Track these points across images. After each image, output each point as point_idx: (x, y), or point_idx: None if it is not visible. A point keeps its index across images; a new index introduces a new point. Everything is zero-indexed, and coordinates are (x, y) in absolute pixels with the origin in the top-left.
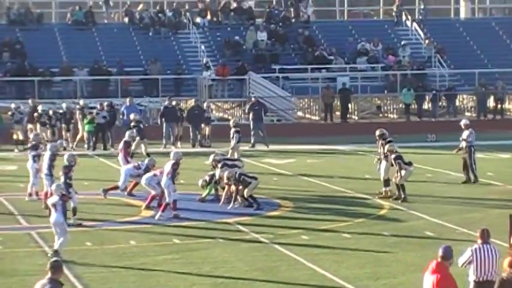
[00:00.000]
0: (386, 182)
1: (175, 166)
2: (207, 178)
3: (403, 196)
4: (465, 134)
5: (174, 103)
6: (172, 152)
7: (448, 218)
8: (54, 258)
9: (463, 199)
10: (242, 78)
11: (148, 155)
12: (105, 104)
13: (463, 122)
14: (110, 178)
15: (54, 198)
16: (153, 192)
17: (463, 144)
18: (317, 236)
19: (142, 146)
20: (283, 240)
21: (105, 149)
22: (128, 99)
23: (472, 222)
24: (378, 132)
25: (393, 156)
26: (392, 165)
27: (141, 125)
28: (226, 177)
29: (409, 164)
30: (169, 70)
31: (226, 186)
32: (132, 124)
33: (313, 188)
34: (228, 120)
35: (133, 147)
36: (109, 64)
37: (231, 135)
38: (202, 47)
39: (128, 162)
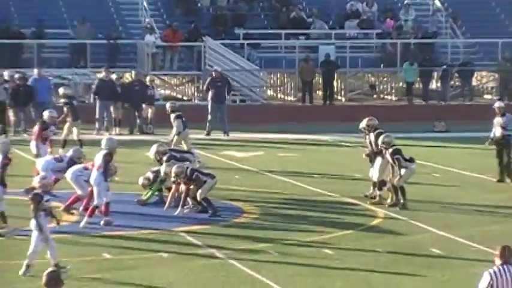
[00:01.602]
0: (381, 184)
1: (109, 158)
2: (150, 175)
3: (402, 202)
4: (501, 120)
5: (114, 76)
6: (105, 139)
7: (460, 231)
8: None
9: (480, 207)
10: (196, 46)
11: (80, 142)
12: (16, 76)
13: (497, 105)
14: (25, 173)
15: None
16: (79, 192)
17: (497, 132)
18: (290, 252)
19: (74, 129)
20: (246, 257)
21: (4, 132)
22: (35, 70)
23: (491, 237)
24: (364, 123)
25: (390, 150)
26: (388, 162)
27: (74, 102)
28: (174, 173)
29: (410, 160)
30: (101, 33)
31: (174, 186)
32: (63, 101)
33: (287, 189)
34: (178, 99)
35: (64, 131)
36: (22, 24)
37: (172, 122)
38: (145, 4)
39: (39, 153)
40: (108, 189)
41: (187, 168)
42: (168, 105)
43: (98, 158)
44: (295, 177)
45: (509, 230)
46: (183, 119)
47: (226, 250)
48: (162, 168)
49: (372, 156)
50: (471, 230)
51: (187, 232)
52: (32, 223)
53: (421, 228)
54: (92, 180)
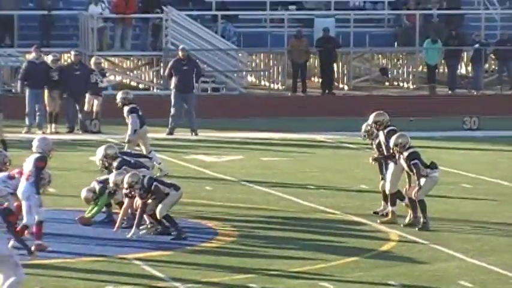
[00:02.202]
0: (394, 197)
1: (41, 164)
2: (96, 186)
3: (422, 220)
4: None
5: (49, 58)
6: (36, 139)
7: (497, 259)
8: None
9: None
10: (154, 18)
11: (4, 143)
12: None
13: None
14: None
15: None
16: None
17: None
18: (276, 286)
19: None
20: None
21: None
22: None
23: None
24: (370, 120)
25: (405, 154)
26: (403, 169)
27: None
28: (126, 184)
29: (432, 167)
30: (32, 2)
31: (127, 200)
32: None
33: (272, 204)
34: (132, 88)
35: None
36: None
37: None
38: None
39: None
40: (41, 204)
41: (144, 177)
42: (119, 95)
43: (28, 164)
44: (283, 188)
45: None
46: (139, 113)
47: (195, 283)
48: (112, 177)
49: (382, 162)
50: (510, 257)
51: (144, 260)
52: None
53: (447, 255)
54: (19, 193)
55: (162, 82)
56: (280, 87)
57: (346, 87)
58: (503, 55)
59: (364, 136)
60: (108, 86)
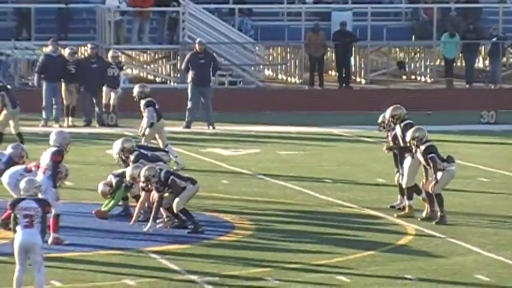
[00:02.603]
0: (411, 191)
1: (58, 157)
2: (112, 180)
3: (439, 214)
4: None
5: (66, 51)
6: (54, 132)
7: None
8: None
9: None
10: (172, 12)
11: (20, 137)
12: None
13: None
14: None
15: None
16: None
17: None
18: (293, 279)
19: (11, 122)
20: (237, 284)
21: None
22: None
23: None
24: (387, 113)
25: (422, 148)
26: (420, 163)
27: (8, 87)
28: (143, 177)
29: (449, 160)
30: None
31: (143, 193)
32: None
33: (289, 197)
34: (149, 81)
35: None
36: None
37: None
38: None
39: None
40: (58, 198)
41: (160, 170)
42: (136, 89)
43: (45, 158)
44: (300, 182)
45: None
46: (156, 106)
47: (211, 277)
48: (128, 171)
49: (397, 155)
50: None
51: (161, 253)
52: None
53: (464, 249)
54: None
55: (179, 75)
56: (297, 81)
57: (363, 81)
58: None
59: (380, 128)
60: (125, 80)
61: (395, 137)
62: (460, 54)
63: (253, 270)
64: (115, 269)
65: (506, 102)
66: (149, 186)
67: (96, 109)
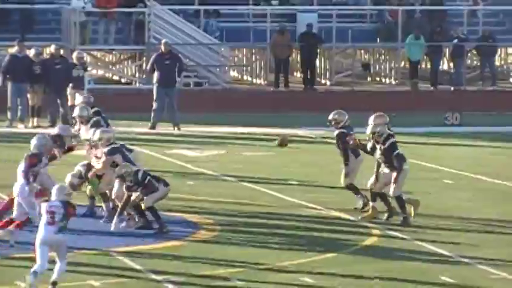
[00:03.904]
0: (375, 193)
1: (33, 160)
2: (80, 168)
3: (402, 216)
4: None
5: (32, 52)
6: (35, 138)
7: (478, 254)
8: None
9: (505, 222)
10: (138, 13)
11: None
12: None
13: None
14: None
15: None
16: None
17: None
18: (258, 279)
19: None
20: (203, 284)
21: None
22: None
23: None
24: (331, 116)
25: (387, 144)
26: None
27: None
28: (117, 174)
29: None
30: None
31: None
32: None
33: (255, 199)
34: (114, 82)
35: None
36: None
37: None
38: None
39: None
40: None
41: (138, 170)
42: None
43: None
44: (266, 184)
45: None
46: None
47: (177, 277)
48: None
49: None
50: (492, 252)
51: (126, 253)
52: None
53: (428, 250)
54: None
55: (144, 76)
56: (262, 82)
57: (328, 83)
58: (485, 51)
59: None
60: (90, 80)
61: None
62: (425, 57)
63: (218, 271)
64: (80, 269)
65: (471, 104)
66: (128, 184)
67: (61, 110)
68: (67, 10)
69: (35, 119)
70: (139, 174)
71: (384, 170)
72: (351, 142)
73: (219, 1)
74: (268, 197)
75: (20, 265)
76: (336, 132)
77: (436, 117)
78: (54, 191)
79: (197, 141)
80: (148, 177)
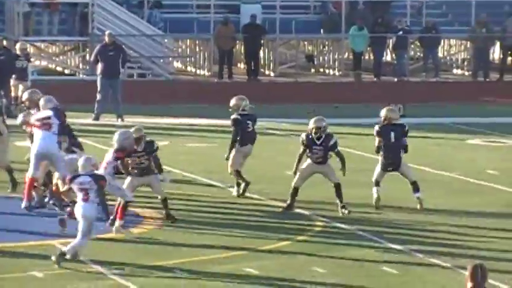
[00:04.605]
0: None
1: (120, 155)
2: None
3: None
4: None
5: None
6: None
7: (421, 245)
8: None
9: (446, 213)
10: (81, 4)
11: None
12: None
13: None
14: None
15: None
16: None
17: None
18: (201, 270)
19: None
20: (145, 276)
21: None
22: None
23: (459, 252)
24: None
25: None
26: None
27: None
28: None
29: None
30: None
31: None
32: None
33: (198, 190)
34: (58, 73)
35: None
36: None
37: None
38: None
39: None
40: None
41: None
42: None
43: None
44: (209, 174)
45: (484, 245)
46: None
47: (119, 268)
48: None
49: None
50: (435, 244)
51: (68, 245)
52: None
53: (371, 241)
54: None
55: (87, 67)
56: (206, 74)
57: (272, 74)
58: (428, 42)
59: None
60: (33, 72)
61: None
62: (368, 48)
63: (161, 263)
64: (21, 261)
65: (414, 95)
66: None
67: (4, 101)
68: (10, 1)
69: None
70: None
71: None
72: None
73: None
74: (212, 188)
75: (33, 253)
76: (233, 116)
77: (380, 109)
78: (81, 162)
79: None
80: None
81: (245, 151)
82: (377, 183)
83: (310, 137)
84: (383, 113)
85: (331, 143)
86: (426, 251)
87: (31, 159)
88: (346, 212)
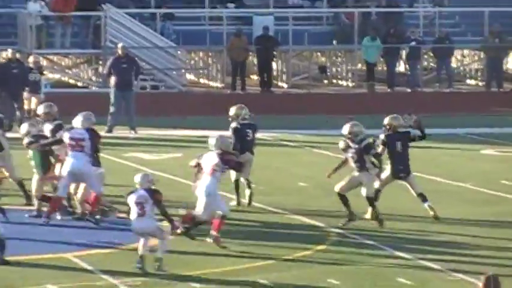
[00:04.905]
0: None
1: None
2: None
3: (348, 217)
4: None
5: None
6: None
7: (435, 256)
8: None
9: (460, 224)
10: (94, 16)
11: None
12: None
13: None
14: None
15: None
16: None
17: None
18: (221, 278)
19: None
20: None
21: None
22: None
23: (473, 263)
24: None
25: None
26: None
27: None
28: None
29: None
30: None
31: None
32: None
33: None
34: (70, 86)
35: None
36: None
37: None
38: None
39: None
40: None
41: None
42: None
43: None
44: (222, 185)
45: (496, 254)
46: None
47: (133, 279)
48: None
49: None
50: (448, 254)
51: (81, 257)
52: None
53: (385, 252)
54: None
55: (101, 80)
56: (219, 85)
57: (285, 85)
58: (441, 53)
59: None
60: (46, 84)
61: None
62: (381, 59)
63: (178, 273)
64: (35, 273)
65: (428, 106)
66: None
67: (18, 114)
68: (23, 14)
69: None
70: None
71: (354, 173)
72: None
73: (175, 4)
74: (225, 199)
75: (48, 265)
76: (232, 125)
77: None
78: (137, 179)
79: (154, 145)
80: None
81: (245, 159)
82: (376, 193)
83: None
84: (386, 121)
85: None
86: (440, 262)
87: (62, 177)
88: (377, 224)
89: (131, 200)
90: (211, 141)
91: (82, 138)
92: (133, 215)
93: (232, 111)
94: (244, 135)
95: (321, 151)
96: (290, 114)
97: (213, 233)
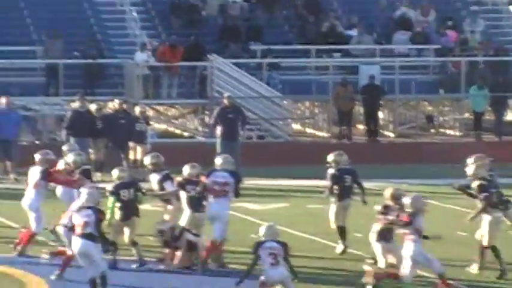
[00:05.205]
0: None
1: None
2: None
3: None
4: None
5: (93, 107)
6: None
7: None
8: None
9: None
10: (200, 67)
11: None
12: None
13: None
14: None
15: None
16: None
17: None
18: None
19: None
20: None
21: None
22: (2, 100)
23: None
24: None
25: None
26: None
27: None
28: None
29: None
30: (77, 51)
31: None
32: None
33: (316, 251)
34: (177, 136)
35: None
36: None
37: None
38: (134, 13)
39: None
40: None
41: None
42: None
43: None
44: (328, 235)
45: None
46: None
47: None
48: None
49: None
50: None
51: None
52: None
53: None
54: None
55: (206, 130)
56: (325, 135)
57: (392, 135)
58: None
59: None
60: (153, 134)
61: None
62: (489, 108)
63: None
64: None
65: None
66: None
67: (124, 163)
68: (130, 64)
69: (98, 174)
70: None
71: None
72: None
73: (281, 54)
74: (331, 249)
75: None
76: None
77: (502, 169)
78: (265, 231)
79: (260, 194)
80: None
81: (344, 205)
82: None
83: None
84: (331, 158)
85: None
86: None
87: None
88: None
89: (264, 251)
90: (406, 200)
91: (227, 183)
92: (265, 265)
93: (331, 157)
94: (343, 181)
95: (430, 201)
96: (397, 164)
97: None
